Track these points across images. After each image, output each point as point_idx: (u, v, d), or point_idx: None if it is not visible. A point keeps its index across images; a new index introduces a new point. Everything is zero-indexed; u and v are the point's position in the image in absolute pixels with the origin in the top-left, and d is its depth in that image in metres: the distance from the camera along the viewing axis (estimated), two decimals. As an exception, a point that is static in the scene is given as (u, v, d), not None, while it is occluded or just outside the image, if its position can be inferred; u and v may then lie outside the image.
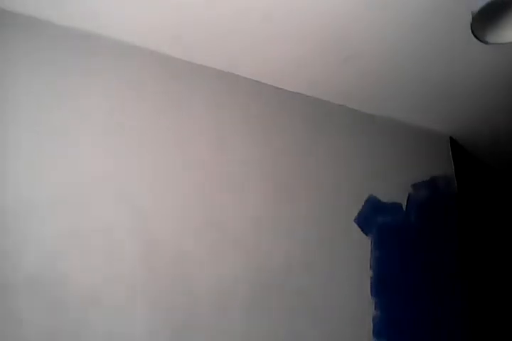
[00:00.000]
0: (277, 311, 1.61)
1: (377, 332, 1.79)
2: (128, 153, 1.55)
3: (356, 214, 1.94)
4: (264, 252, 1.66)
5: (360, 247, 1.90)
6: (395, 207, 2.08)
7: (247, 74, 1.88)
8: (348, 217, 1.92)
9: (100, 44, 1.63)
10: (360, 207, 1.97)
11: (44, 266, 1.30)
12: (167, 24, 1.59)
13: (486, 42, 1.70)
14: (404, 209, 2.11)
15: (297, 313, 1.65)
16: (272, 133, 1.87)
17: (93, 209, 1.42)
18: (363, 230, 1.93)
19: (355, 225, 1.92)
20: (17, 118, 1.41)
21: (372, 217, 1.98)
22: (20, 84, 1.44)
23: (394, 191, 2.10)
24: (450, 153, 2.42)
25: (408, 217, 2.10)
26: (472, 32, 1.65)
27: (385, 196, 2.06)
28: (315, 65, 1.85)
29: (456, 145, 2.49)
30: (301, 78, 1.93)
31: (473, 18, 1.58)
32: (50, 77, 1.50)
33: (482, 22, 1.60)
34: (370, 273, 1.87)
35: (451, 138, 2.46)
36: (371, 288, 1.85)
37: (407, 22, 1.64)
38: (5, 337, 1.20)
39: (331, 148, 2.01)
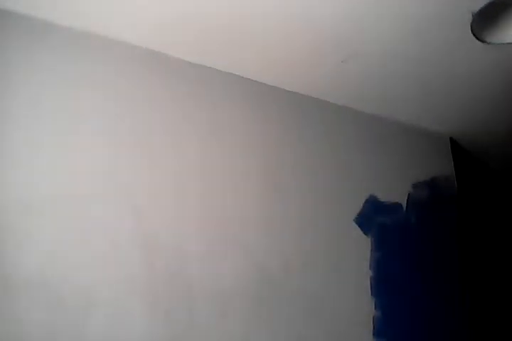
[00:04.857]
0: (277, 311, 1.61)
1: (377, 332, 1.79)
2: (128, 152, 1.55)
3: (356, 214, 1.95)
4: (264, 252, 1.66)
5: (360, 247, 1.90)
6: (395, 207, 2.08)
7: (247, 75, 1.88)
8: (348, 217, 1.92)
9: (100, 44, 1.62)
10: (360, 207, 1.97)
11: (44, 266, 1.30)
12: (167, 24, 1.60)
13: (485, 43, 1.70)
14: (404, 209, 2.11)
15: (297, 313, 1.65)
16: (271, 133, 1.87)
17: (93, 209, 1.42)
18: (363, 230, 1.93)
19: (355, 225, 1.93)
20: (16, 118, 1.41)
21: (372, 217, 1.98)
22: (20, 84, 1.44)
23: (394, 191, 2.10)
24: (450, 153, 2.42)
25: (408, 217, 2.10)
26: (472, 32, 1.66)
27: (385, 196, 2.06)
28: (315, 66, 1.85)
29: (456, 146, 2.50)
30: (301, 79, 1.93)
31: (473, 19, 1.59)
32: (50, 76, 1.50)
33: (482, 22, 1.60)
34: (370, 273, 1.87)
35: (451, 138, 2.46)
36: (371, 288, 1.85)
37: (406, 22, 1.64)
38: (5, 337, 1.20)
39: (330, 148, 2.01)
